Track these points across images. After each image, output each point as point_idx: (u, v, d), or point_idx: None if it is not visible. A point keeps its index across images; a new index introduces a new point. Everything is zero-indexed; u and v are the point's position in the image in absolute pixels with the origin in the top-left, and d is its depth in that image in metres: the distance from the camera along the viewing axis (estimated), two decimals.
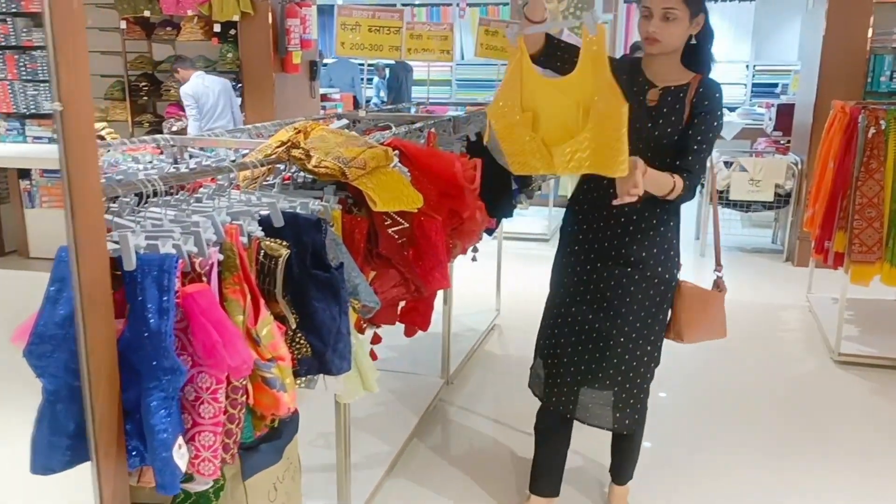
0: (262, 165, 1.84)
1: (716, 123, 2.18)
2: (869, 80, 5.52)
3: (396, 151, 2.27)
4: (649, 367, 2.34)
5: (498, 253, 4.65)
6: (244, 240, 1.46)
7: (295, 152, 1.94)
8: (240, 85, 6.69)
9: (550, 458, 2.52)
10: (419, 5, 11.53)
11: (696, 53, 2.20)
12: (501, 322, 4.65)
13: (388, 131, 2.54)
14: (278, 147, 1.97)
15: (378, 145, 2.10)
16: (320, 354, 1.63)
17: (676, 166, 2.12)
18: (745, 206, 6.19)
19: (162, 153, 2.46)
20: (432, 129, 2.75)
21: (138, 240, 1.25)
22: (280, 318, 1.56)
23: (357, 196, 2.00)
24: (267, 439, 1.82)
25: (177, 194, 1.74)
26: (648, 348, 2.31)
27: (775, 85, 9.85)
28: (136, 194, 1.52)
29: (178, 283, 1.22)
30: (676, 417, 3.43)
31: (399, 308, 2.45)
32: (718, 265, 2.43)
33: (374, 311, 1.85)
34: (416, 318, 2.67)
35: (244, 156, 2.26)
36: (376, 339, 2.63)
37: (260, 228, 1.56)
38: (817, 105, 5.66)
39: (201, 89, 6.08)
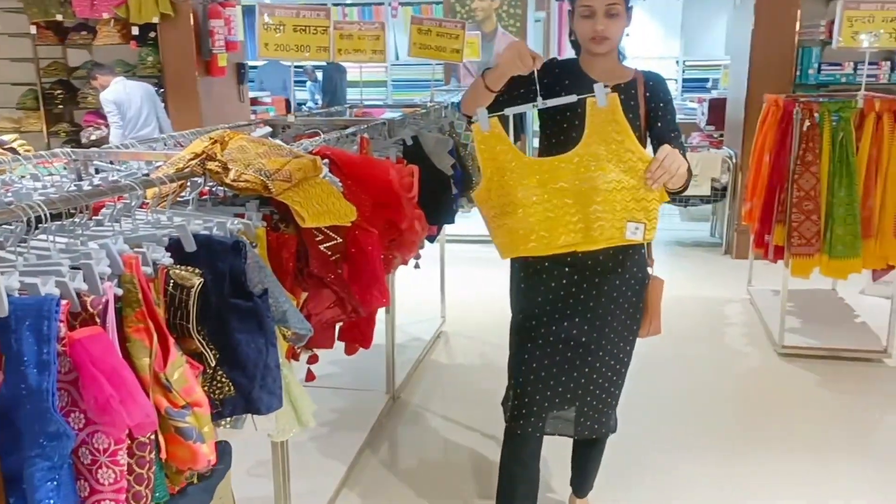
0: (172, 181, 1.65)
1: (675, 114, 2.20)
2: (798, 72, 5.58)
3: (326, 160, 2.10)
4: (626, 371, 2.27)
5: (441, 257, 4.51)
6: (148, 270, 1.28)
7: (210, 165, 1.75)
8: (162, 90, 6.39)
9: (527, 487, 2.32)
10: (350, 4, 11.30)
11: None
12: (448, 329, 4.51)
13: (316, 138, 2.37)
14: (192, 160, 1.78)
15: (305, 154, 1.93)
16: (246, 392, 1.46)
17: None
18: (683, 200, 6.22)
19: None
20: (365, 135, 2.59)
21: (10, 280, 1.05)
22: (197, 356, 1.38)
23: (283, 211, 1.83)
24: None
25: (74, 217, 1.54)
26: (628, 349, 2.24)
27: (706, 80, 9.98)
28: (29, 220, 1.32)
29: (62, 328, 1.03)
30: (621, 417, 3.33)
31: (337, 328, 2.29)
32: (650, 258, 2.28)
33: (307, 338, 1.68)
34: (356, 336, 2.52)
35: (157, 169, 2.07)
36: (313, 359, 2.46)
37: (168, 255, 1.37)
38: (749, 99, 5.70)
39: (123, 96, 5.76)
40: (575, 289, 2.13)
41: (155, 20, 6.12)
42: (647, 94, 2.13)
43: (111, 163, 2.30)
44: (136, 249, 1.30)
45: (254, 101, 8.03)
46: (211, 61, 6.42)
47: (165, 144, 2.74)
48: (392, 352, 3.55)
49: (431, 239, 3.41)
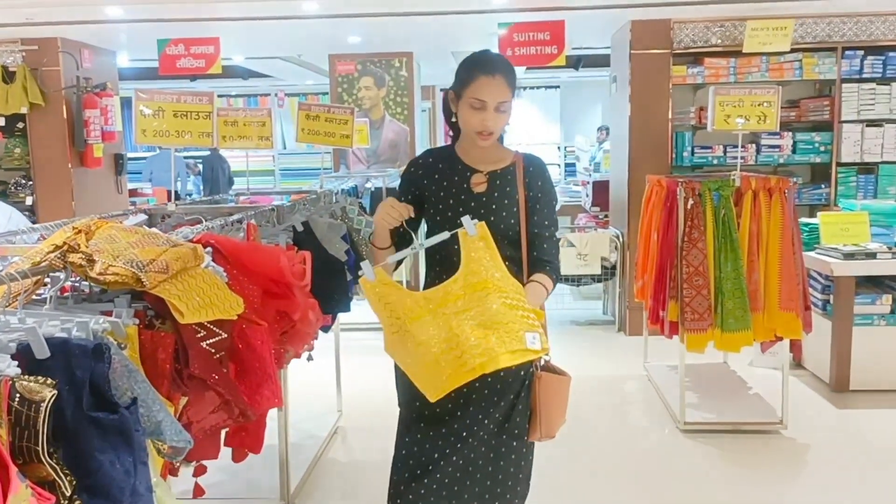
0: (26, 277, 1.44)
1: (554, 202, 2.18)
2: (673, 155, 5.89)
3: (209, 249, 1.93)
4: (520, 472, 2.10)
5: (336, 347, 4.30)
6: None
7: (73, 257, 1.55)
8: (30, 182, 6.02)
9: None
10: (235, 96, 11.22)
11: None
12: (345, 423, 4.26)
13: (197, 226, 2.19)
14: (50, 252, 1.57)
15: (184, 243, 1.76)
16: None
17: (535, 258, 2.06)
18: (575, 280, 6.32)
19: None
20: (252, 221, 2.43)
21: None
22: (48, 484, 1.15)
23: (160, 306, 1.63)
24: None
25: None
26: (514, 445, 2.08)
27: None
28: None
29: None
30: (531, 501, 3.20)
31: (223, 432, 2.06)
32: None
33: (187, 451, 1.47)
34: (245, 440, 2.29)
35: (10, 265, 1.82)
36: (200, 471, 2.20)
37: (15, 364, 1.16)
38: (631, 181, 5.94)
39: None
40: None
41: (23, 110, 5.82)
42: (527, 181, 2.10)
43: None
44: None
45: (134, 193, 7.70)
46: (86, 152, 6.13)
47: (24, 239, 2.49)
48: (286, 454, 3.28)
49: (326, 329, 3.23)
